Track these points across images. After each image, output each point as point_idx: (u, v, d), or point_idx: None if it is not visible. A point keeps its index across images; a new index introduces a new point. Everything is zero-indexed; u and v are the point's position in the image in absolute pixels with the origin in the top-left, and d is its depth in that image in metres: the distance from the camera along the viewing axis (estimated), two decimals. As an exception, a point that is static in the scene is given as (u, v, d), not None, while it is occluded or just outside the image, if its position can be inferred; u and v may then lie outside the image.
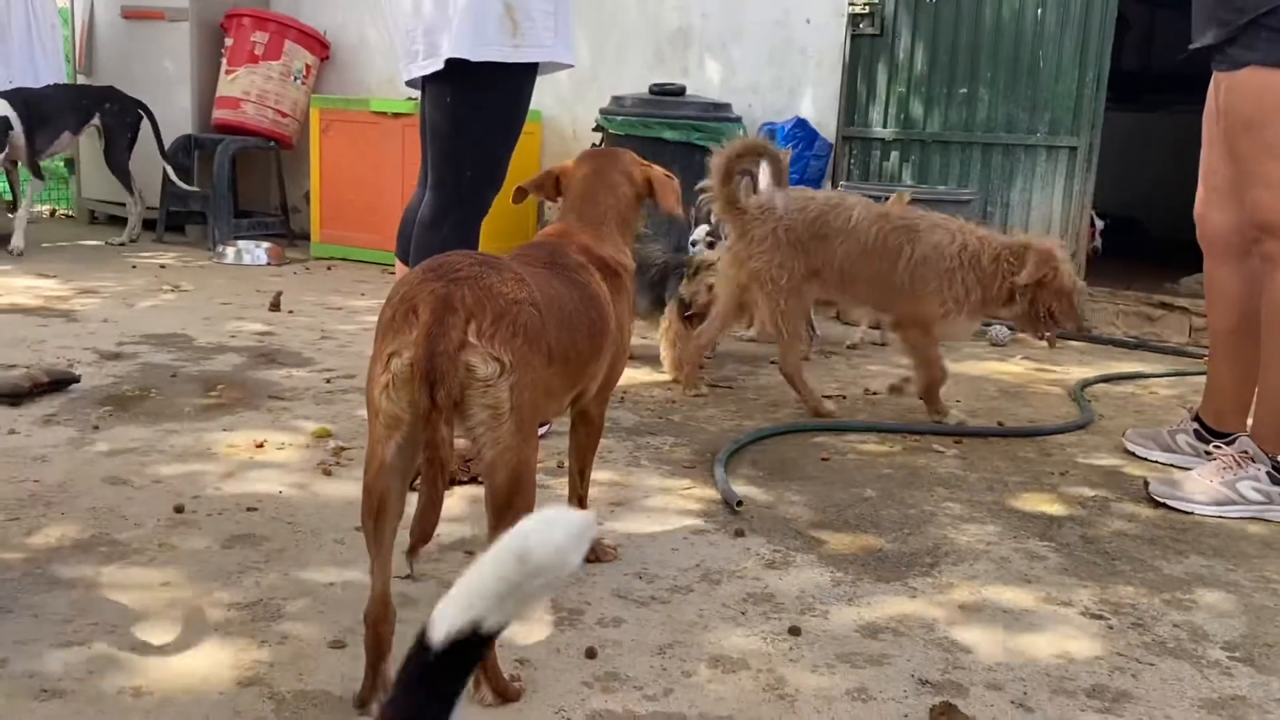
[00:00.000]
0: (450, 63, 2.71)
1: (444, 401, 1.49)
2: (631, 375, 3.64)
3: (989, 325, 4.81)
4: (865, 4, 5.23)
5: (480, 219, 2.82)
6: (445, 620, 0.71)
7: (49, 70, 6.40)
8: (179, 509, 2.30)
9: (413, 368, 1.51)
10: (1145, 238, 6.80)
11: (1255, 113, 2.55)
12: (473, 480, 2.52)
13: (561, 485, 2.38)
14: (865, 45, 5.28)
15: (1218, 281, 2.86)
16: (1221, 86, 2.66)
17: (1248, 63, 2.54)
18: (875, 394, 3.67)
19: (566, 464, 2.28)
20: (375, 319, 1.63)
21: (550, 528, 0.69)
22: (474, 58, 2.68)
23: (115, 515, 2.27)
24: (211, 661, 1.71)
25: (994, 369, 4.19)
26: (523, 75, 2.81)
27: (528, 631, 1.86)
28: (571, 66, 2.95)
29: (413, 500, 1.79)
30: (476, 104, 2.77)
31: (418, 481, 1.56)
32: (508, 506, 1.61)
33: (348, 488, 2.49)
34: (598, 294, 1.90)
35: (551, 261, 1.87)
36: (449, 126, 2.80)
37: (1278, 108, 2.51)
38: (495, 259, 1.72)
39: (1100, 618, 2.04)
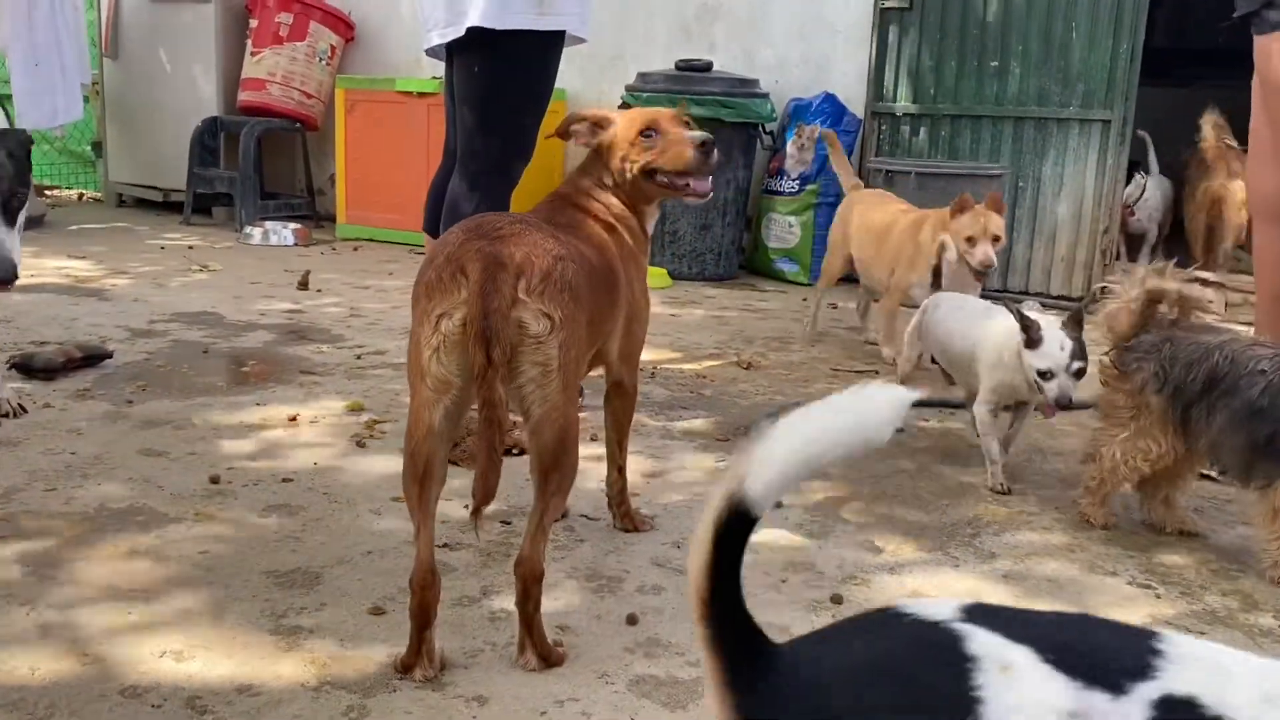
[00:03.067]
0: (475, 31, 2.68)
1: (500, 359, 1.48)
2: (660, 352, 3.62)
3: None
4: (894, -23, 5.16)
5: (510, 190, 2.79)
6: (778, 489, 0.80)
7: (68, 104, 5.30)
8: (215, 480, 2.30)
9: (465, 327, 1.50)
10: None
11: None
12: (508, 452, 2.51)
13: (593, 458, 2.36)
14: (894, 19, 5.21)
15: (1265, 246, 2.80)
16: (1273, 51, 2.60)
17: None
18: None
19: (600, 436, 2.26)
20: (405, 298, 1.61)
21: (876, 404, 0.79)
22: (498, 25, 2.65)
23: (152, 485, 2.27)
24: (252, 626, 1.71)
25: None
26: (549, 44, 2.77)
27: (568, 598, 1.84)
28: (584, 41, 2.91)
29: (453, 470, 1.78)
30: (504, 74, 2.74)
31: (455, 451, 1.55)
32: (554, 468, 1.60)
33: (381, 460, 2.48)
34: (607, 246, 1.91)
35: (555, 220, 1.88)
36: (477, 97, 2.77)
37: None
38: (530, 218, 1.74)
39: (1148, 587, 2.01)
